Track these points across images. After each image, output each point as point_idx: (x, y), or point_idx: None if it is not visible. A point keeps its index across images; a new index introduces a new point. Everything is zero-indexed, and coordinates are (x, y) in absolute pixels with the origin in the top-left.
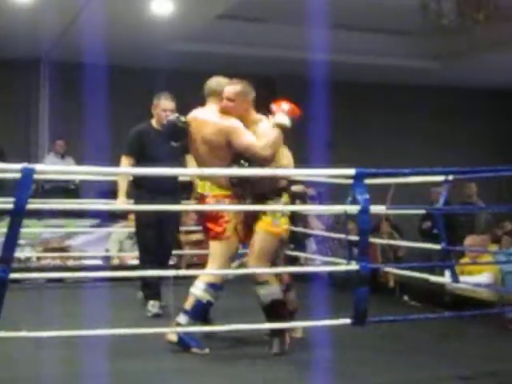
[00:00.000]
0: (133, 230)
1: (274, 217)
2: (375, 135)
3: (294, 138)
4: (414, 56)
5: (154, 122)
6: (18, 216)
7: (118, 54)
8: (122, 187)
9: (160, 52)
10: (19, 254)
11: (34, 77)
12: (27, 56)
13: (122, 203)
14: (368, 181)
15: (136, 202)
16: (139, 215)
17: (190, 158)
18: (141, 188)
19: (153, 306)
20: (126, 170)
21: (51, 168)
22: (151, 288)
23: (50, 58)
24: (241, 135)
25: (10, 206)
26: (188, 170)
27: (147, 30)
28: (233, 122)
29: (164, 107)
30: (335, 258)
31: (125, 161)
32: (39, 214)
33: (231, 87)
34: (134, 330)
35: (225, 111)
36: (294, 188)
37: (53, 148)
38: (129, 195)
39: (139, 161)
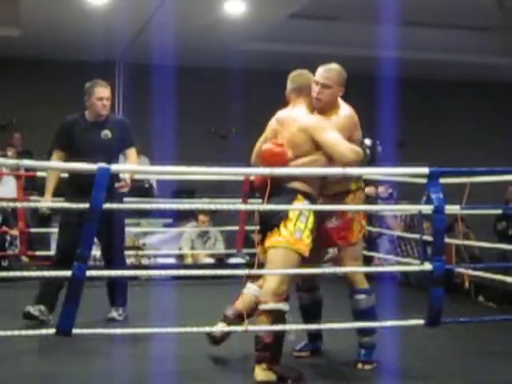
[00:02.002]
0: (204, 229)
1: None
2: (448, 134)
3: (365, 136)
4: (490, 52)
5: (86, 114)
6: (94, 215)
7: (190, 55)
8: (49, 187)
9: (232, 52)
10: (95, 252)
11: (108, 79)
12: (102, 58)
13: (46, 202)
14: (442, 180)
15: (66, 200)
16: (63, 214)
17: (130, 153)
18: (70, 185)
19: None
20: (184, 169)
21: (125, 167)
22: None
23: (124, 59)
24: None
25: (87, 205)
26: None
27: (219, 31)
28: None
29: (99, 95)
30: (409, 258)
31: (54, 156)
32: None
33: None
34: (204, 328)
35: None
36: (366, 190)
37: None
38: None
39: (70, 155)
